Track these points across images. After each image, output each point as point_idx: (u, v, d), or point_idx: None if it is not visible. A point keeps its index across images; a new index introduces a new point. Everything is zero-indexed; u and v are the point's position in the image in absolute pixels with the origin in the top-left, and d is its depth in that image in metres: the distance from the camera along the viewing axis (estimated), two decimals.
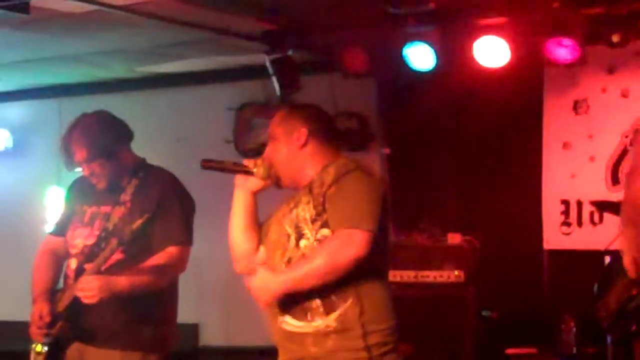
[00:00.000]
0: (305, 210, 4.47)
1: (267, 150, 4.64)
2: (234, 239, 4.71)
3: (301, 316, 4.45)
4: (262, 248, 4.63)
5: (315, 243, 4.40)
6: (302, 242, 4.44)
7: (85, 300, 5.22)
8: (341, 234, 4.31)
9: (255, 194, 4.64)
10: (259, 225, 4.70)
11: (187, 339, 8.69)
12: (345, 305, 4.38)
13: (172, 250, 5.43)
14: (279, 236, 4.55)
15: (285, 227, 4.52)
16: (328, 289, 4.37)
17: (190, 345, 8.86)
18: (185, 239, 5.52)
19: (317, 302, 4.41)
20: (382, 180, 4.57)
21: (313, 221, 4.43)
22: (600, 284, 6.07)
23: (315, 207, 4.43)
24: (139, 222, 5.23)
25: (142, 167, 5.67)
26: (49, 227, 5.86)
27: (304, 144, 4.58)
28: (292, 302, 4.43)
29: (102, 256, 5.30)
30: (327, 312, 4.40)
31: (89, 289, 5.20)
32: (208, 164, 4.87)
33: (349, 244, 4.30)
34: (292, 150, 4.59)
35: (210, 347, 9.10)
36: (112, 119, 5.62)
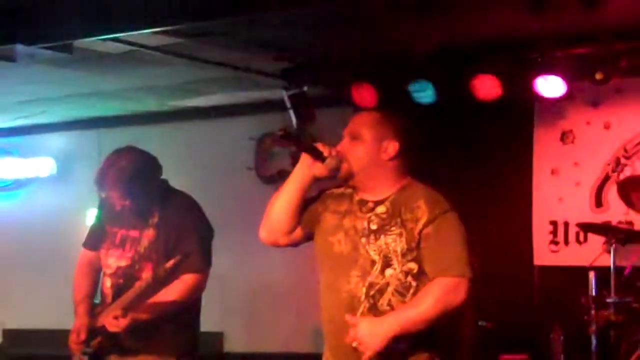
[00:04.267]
0: (396, 242, 4.16)
1: (346, 147, 4.27)
2: (278, 211, 4.35)
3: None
4: (319, 251, 4.33)
5: (400, 275, 4.15)
6: (388, 272, 4.15)
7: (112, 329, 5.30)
8: (449, 283, 4.10)
9: (314, 179, 4.27)
10: (304, 207, 4.35)
11: (213, 345, 8.71)
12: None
13: (189, 278, 5.35)
14: (353, 253, 4.23)
15: (370, 253, 4.19)
16: None
17: (215, 351, 8.86)
18: (204, 266, 5.44)
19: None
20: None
21: (403, 255, 4.15)
22: None
23: (407, 243, 4.13)
24: (171, 263, 5.17)
25: (166, 192, 5.60)
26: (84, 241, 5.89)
27: (392, 158, 4.26)
28: None
29: (135, 291, 5.30)
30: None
31: (116, 326, 5.26)
32: (285, 135, 4.75)
33: (457, 292, 4.09)
34: (376, 158, 4.24)
35: (233, 354, 9.09)
36: (144, 160, 5.52)
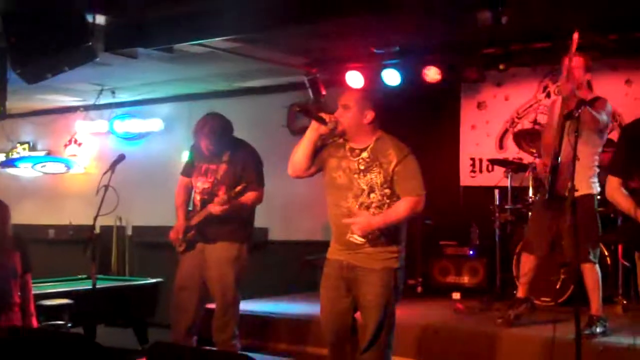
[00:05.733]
0: (377, 177, 4.25)
1: (339, 114, 4.33)
2: (298, 155, 4.40)
3: (364, 237, 4.30)
4: (327, 182, 4.42)
5: (380, 196, 4.26)
6: (372, 195, 4.26)
7: (214, 212, 5.43)
8: (413, 199, 4.23)
9: (320, 135, 4.35)
10: (315, 153, 4.41)
11: (261, 236, 8.69)
12: (390, 230, 4.28)
13: (251, 194, 5.51)
14: (349, 184, 4.32)
15: (360, 183, 4.30)
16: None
17: (263, 240, 8.85)
18: (260, 187, 5.59)
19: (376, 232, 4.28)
20: None
21: (381, 185, 4.25)
22: None
23: (384, 177, 4.23)
24: (239, 188, 5.35)
25: (234, 142, 5.69)
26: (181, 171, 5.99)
27: (369, 122, 4.33)
28: None
29: (222, 197, 5.42)
30: (381, 233, 4.28)
31: (219, 209, 5.40)
32: (300, 106, 4.95)
33: (418, 204, 4.25)
34: (359, 121, 4.30)
35: (274, 241, 9.11)
36: (224, 122, 5.64)
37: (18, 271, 5.33)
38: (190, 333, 5.62)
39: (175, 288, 5.69)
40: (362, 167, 4.32)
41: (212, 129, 5.59)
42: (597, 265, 5.39)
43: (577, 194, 4.88)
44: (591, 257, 5.32)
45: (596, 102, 5.33)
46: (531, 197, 6.94)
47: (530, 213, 6.49)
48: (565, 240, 5.23)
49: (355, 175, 4.33)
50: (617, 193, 3.92)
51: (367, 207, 4.28)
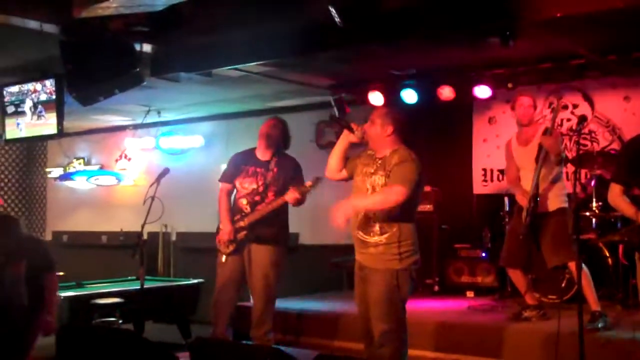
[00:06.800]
0: (380, 179, 4.34)
1: (366, 126, 4.47)
2: (332, 159, 4.60)
3: (367, 233, 4.38)
4: (352, 185, 4.53)
5: None
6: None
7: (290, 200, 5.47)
8: (397, 186, 4.25)
9: (350, 143, 4.52)
10: (347, 158, 4.59)
11: (293, 240, 8.61)
12: (392, 231, 4.33)
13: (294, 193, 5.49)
14: (362, 185, 4.43)
15: (367, 184, 4.40)
16: (383, 220, 4.33)
17: (294, 243, 8.75)
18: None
19: (377, 227, 4.36)
20: (421, 164, 4.40)
21: (382, 186, 4.33)
22: None
23: (385, 178, 4.33)
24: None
25: (279, 151, 5.73)
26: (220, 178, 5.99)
27: (389, 135, 4.43)
28: (364, 225, 4.38)
29: (270, 203, 5.50)
30: (381, 233, 4.35)
31: (295, 200, 5.47)
32: (332, 119, 5.11)
33: (400, 194, 4.24)
34: (381, 134, 4.42)
35: (305, 245, 9.07)
36: (288, 131, 5.79)
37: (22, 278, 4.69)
38: (229, 328, 5.66)
39: (218, 287, 5.69)
40: (371, 171, 4.42)
41: (281, 130, 5.68)
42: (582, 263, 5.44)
43: (552, 208, 5.52)
44: (573, 256, 5.40)
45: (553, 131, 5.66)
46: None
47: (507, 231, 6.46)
48: (545, 247, 5.58)
49: (366, 178, 4.43)
50: (619, 199, 3.97)
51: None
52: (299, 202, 5.49)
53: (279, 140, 5.70)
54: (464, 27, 5.46)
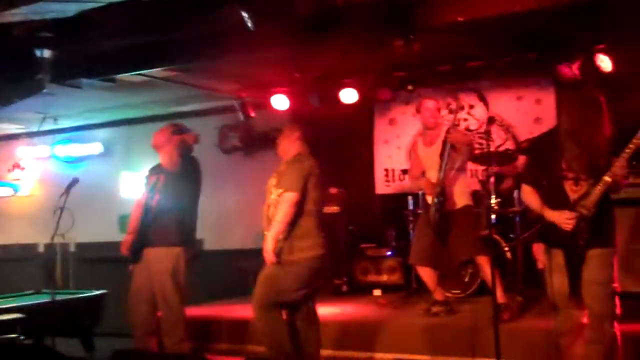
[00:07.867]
0: (274, 180, 4.68)
1: (279, 140, 4.87)
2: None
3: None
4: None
5: (276, 195, 4.63)
6: (272, 197, 4.67)
7: None
8: (287, 194, 4.51)
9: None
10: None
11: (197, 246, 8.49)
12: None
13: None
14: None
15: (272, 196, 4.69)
16: None
17: (199, 249, 8.62)
18: None
19: None
20: (309, 166, 4.67)
21: (276, 186, 4.63)
22: None
23: (277, 180, 4.64)
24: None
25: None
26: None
27: (294, 142, 4.78)
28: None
29: None
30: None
31: None
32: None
33: (291, 198, 4.49)
34: (288, 144, 4.80)
35: (208, 251, 8.93)
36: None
37: None
38: (152, 338, 5.50)
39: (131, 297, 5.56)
40: (275, 182, 4.74)
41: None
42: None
43: (459, 205, 5.72)
44: (480, 251, 5.67)
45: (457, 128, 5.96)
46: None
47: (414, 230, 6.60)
48: (453, 243, 5.72)
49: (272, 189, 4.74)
50: (530, 197, 4.19)
51: (273, 206, 4.62)
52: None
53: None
54: (371, 30, 5.56)
